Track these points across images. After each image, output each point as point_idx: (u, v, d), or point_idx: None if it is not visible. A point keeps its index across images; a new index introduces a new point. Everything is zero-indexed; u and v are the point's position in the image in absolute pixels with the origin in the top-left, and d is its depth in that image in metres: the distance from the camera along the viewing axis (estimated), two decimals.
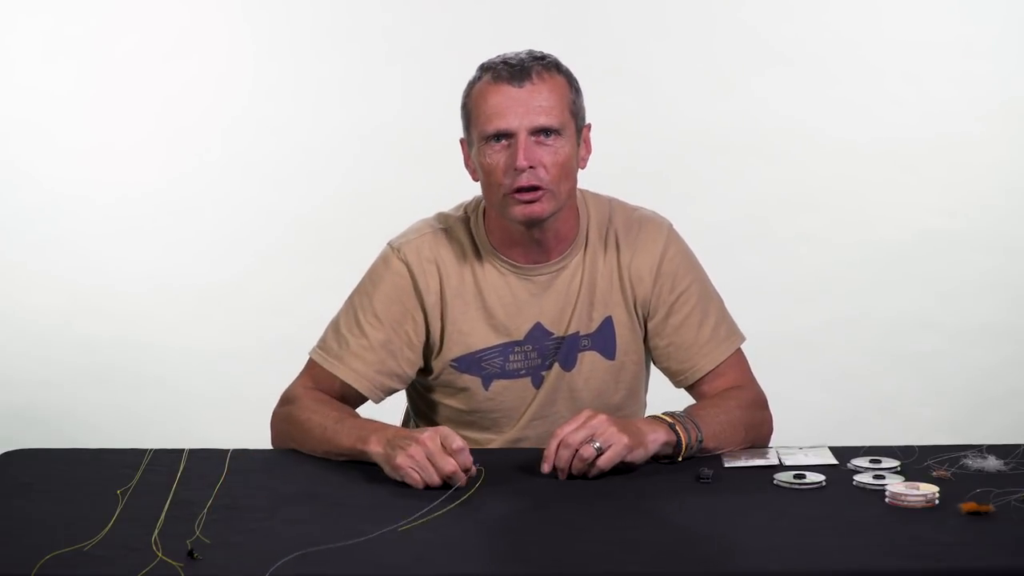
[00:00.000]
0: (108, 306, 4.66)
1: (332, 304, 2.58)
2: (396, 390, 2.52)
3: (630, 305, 2.51)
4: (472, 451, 2.48)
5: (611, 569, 1.90)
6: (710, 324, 2.51)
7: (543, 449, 2.28)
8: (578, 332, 2.49)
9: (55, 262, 4.67)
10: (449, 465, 2.18)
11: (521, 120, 2.38)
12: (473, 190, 2.53)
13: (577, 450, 2.22)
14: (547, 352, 2.49)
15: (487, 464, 2.29)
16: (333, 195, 4.64)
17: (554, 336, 2.49)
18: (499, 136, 2.38)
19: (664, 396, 2.61)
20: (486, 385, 2.49)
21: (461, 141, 2.49)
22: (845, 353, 4.71)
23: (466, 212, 2.53)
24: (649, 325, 2.52)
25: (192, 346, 4.62)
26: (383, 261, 2.51)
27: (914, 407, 4.64)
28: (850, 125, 4.72)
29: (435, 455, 2.19)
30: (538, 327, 2.48)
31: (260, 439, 2.54)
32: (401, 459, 2.20)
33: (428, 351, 2.51)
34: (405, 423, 2.75)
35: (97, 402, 4.61)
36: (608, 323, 2.50)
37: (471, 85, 2.44)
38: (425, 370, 2.53)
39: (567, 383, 2.50)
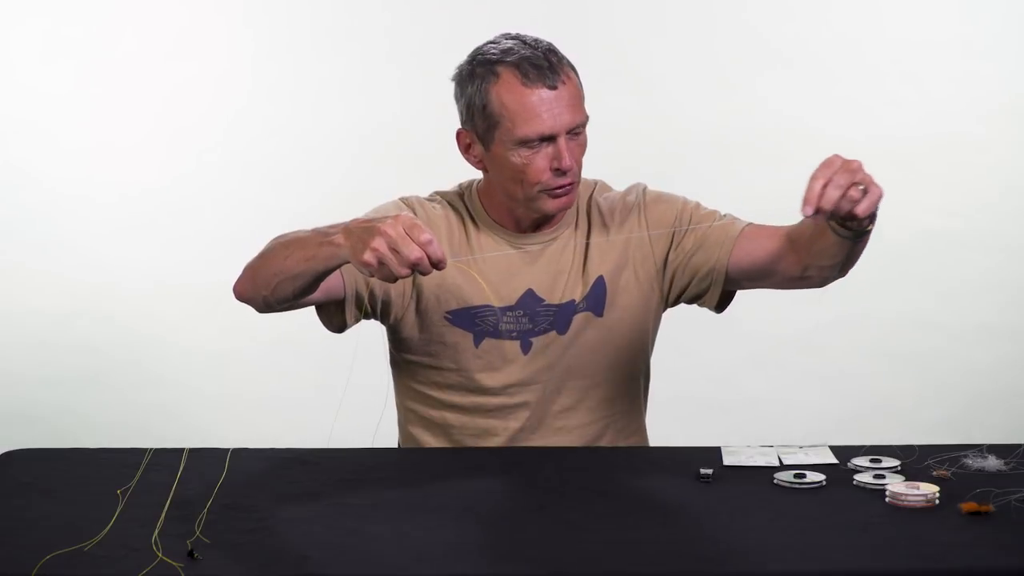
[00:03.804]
0: (108, 306, 4.65)
1: None
2: (364, 300, 2.46)
3: (632, 261, 2.55)
4: (472, 451, 2.47)
5: (611, 569, 1.90)
6: (719, 214, 2.57)
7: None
8: (573, 300, 2.53)
9: (55, 262, 4.67)
10: (414, 252, 2.08)
11: (561, 123, 2.42)
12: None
13: (846, 192, 2.17)
14: (539, 318, 2.52)
15: (487, 463, 2.28)
16: (333, 195, 4.61)
17: (545, 303, 2.52)
18: (539, 139, 2.42)
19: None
20: (477, 342, 2.51)
21: (459, 133, 2.50)
22: (845, 353, 4.70)
23: (460, 188, 2.60)
24: (670, 254, 2.55)
25: (192, 346, 4.61)
26: (391, 203, 2.55)
27: (914, 407, 4.63)
28: (850, 125, 4.71)
29: (399, 243, 2.09)
30: (529, 293, 2.52)
31: (260, 439, 2.54)
32: (367, 255, 2.11)
33: (419, 303, 2.51)
34: (403, 427, 2.75)
35: (97, 402, 4.61)
36: (600, 282, 2.54)
37: (489, 83, 2.44)
38: (419, 326, 2.53)
39: (560, 344, 2.53)
